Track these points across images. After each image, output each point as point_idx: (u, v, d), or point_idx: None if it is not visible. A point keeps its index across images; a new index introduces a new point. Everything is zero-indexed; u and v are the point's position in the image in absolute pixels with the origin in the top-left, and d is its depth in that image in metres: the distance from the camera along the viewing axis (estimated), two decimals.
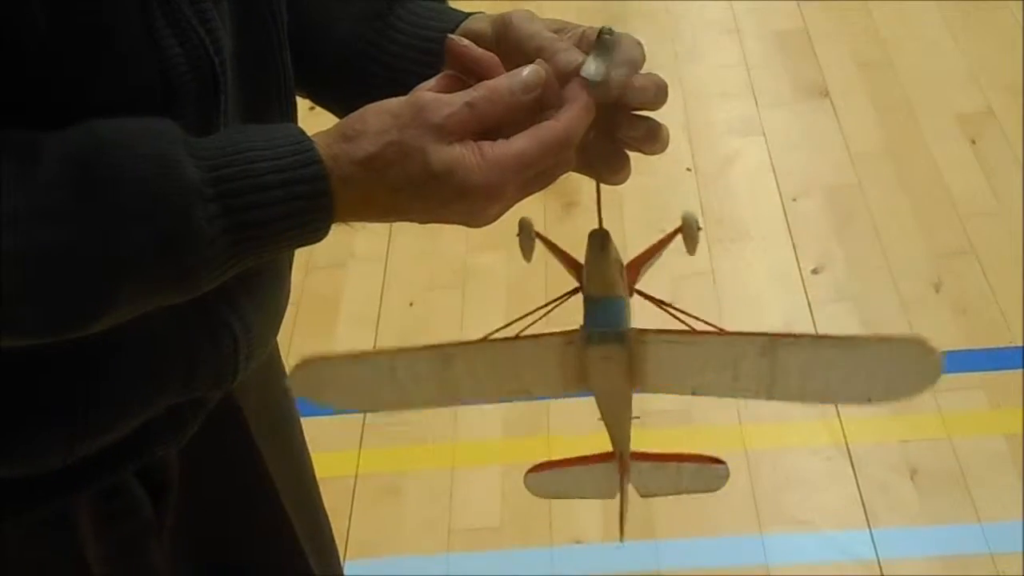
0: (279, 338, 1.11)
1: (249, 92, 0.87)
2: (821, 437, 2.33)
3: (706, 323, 0.84)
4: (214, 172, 0.75)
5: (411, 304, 2.70)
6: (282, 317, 1.02)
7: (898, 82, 3.24)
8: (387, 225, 2.78)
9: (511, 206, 0.81)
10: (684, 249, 0.86)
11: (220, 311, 0.90)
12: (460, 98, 0.78)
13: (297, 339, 2.55)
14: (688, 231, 0.85)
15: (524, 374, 0.87)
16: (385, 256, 2.82)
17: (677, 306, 0.85)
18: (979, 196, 2.86)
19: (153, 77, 0.80)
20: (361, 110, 0.79)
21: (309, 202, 0.77)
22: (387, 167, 0.77)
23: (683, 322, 0.84)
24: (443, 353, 0.85)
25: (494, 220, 0.81)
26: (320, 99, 0.98)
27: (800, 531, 2.18)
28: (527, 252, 0.88)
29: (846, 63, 3.33)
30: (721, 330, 0.83)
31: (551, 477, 0.91)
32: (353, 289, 2.77)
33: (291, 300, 1.04)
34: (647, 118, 0.84)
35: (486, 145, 0.77)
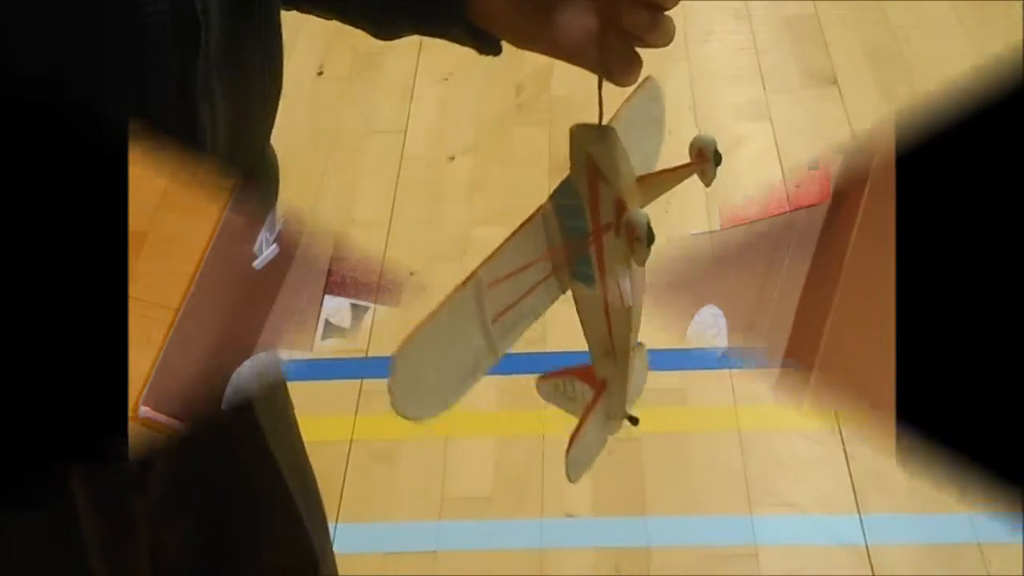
0: None
1: (231, 29, 0.87)
2: (814, 421, 2.34)
3: None
4: None
5: (412, 273, 2.70)
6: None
7: (907, 72, 3.24)
8: (390, 191, 2.80)
9: None
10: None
11: None
12: None
13: None
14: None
15: None
16: (388, 223, 2.82)
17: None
18: None
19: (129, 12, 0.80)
20: None
21: None
22: None
23: None
24: None
25: None
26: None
27: (789, 513, 2.19)
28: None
29: (855, 51, 3.33)
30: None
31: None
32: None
33: None
34: (653, 7, 0.85)
35: None
